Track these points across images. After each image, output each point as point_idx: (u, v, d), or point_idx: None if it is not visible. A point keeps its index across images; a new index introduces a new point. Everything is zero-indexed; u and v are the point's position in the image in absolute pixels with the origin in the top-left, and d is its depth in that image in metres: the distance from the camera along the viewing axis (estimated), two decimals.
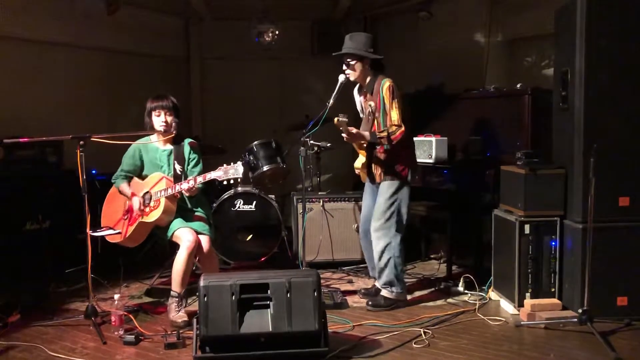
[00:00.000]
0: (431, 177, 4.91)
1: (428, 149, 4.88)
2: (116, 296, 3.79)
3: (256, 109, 6.98)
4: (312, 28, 6.90)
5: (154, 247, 4.92)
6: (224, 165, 3.72)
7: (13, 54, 5.02)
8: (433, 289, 4.51)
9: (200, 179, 3.76)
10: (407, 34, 6.57)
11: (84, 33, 5.58)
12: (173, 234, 3.86)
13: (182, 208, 3.99)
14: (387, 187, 4.02)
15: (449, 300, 4.24)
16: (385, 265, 4.00)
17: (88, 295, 3.75)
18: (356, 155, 4.36)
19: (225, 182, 3.71)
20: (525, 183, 3.85)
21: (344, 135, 3.86)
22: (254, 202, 5.09)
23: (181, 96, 4.72)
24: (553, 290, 3.90)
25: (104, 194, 4.22)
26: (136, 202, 3.93)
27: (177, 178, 3.97)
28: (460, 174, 4.75)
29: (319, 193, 5.26)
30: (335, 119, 3.72)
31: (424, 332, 3.58)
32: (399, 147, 3.94)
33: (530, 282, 3.88)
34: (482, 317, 3.87)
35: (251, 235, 5.09)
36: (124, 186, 4.05)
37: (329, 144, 4.36)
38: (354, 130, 3.88)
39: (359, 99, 4.23)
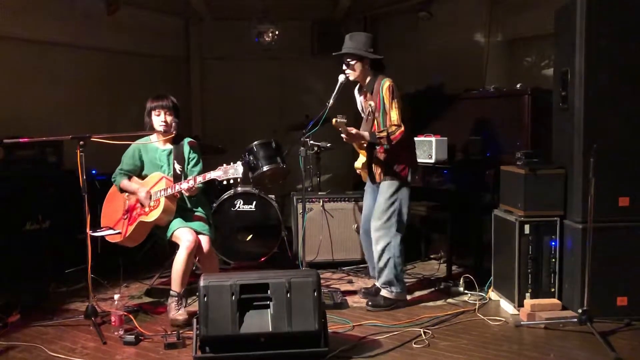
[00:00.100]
0: (431, 177, 4.90)
1: (428, 149, 4.88)
2: (116, 296, 3.79)
3: (256, 109, 6.98)
4: (312, 28, 6.90)
5: (154, 247, 4.93)
6: (224, 165, 3.72)
7: (13, 54, 5.03)
8: (433, 289, 4.50)
9: (200, 179, 3.76)
10: (407, 34, 6.57)
11: (84, 33, 5.57)
12: (173, 233, 3.85)
13: (181, 208, 3.99)
14: (387, 187, 4.01)
15: (449, 300, 4.24)
16: (385, 265, 3.99)
17: (88, 296, 3.75)
18: (356, 155, 4.37)
19: (225, 182, 3.71)
20: (525, 183, 3.85)
21: (343, 135, 3.86)
22: (254, 202, 5.09)
23: (181, 96, 4.72)
24: (553, 290, 3.89)
25: (104, 194, 4.22)
26: (143, 192, 3.90)
27: (177, 178, 3.97)
28: (460, 174, 4.75)
29: (319, 193, 5.25)
30: (334, 120, 3.71)
31: (424, 332, 3.57)
32: (399, 147, 3.94)
33: (530, 282, 3.88)
34: (482, 317, 3.87)
35: (251, 236, 5.09)
36: (126, 182, 4.03)
37: (329, 144, 4.37)
38: (354, 131, 3.88)
39: (359, 99, 4.23)
